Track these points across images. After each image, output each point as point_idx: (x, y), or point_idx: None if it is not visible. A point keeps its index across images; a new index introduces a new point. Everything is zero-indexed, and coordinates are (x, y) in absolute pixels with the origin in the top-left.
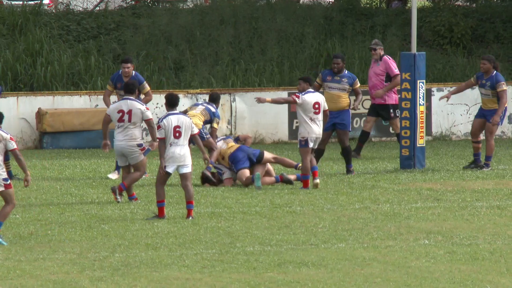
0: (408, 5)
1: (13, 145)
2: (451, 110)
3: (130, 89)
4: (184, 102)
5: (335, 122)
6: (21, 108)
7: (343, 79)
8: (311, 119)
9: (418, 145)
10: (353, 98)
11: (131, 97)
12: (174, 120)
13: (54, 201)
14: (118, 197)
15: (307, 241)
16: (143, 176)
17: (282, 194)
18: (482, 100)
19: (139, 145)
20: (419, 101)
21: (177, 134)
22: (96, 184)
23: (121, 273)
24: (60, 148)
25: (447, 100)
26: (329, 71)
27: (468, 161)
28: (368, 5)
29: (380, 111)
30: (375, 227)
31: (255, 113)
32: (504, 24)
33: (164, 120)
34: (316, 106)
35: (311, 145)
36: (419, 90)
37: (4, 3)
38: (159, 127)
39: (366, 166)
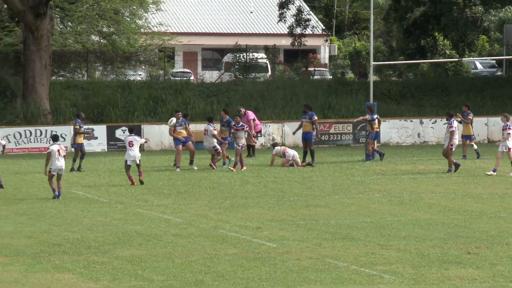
0: (368, 79)
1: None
2: (389, 131)
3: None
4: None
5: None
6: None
7: (307, 117)
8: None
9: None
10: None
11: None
12: (130, 138)
13: (183, 173)
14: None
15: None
16: None
17: (254, 171)
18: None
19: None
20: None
21: (131, 144)
22: (199, 163)
23: (187, 198)
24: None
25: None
26: (304, 113)
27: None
28: (349, 79)
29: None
30: (352, 188)
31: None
32: (415, 89)
33: (126, 138)
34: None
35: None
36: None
37: (171, 78)
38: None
39: (348, 158)
